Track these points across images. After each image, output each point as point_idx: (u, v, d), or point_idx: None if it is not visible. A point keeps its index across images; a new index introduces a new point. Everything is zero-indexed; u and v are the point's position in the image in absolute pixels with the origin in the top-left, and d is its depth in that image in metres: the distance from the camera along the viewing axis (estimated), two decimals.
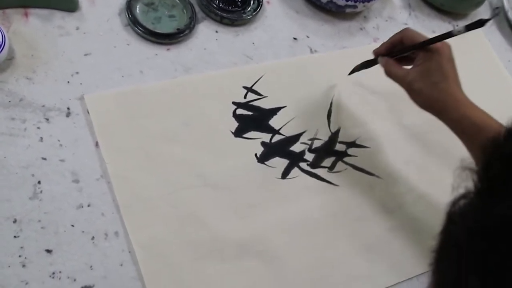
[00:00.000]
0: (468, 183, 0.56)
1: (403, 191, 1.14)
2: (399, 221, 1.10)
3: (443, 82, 0.97)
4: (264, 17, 1.26)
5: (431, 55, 0.97)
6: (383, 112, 1.21)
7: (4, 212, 0.90)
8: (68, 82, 1.03)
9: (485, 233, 0.51)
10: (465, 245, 0.52)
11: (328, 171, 1.11)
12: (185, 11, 1.17)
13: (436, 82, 0.97)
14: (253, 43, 1.21)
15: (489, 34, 1.48)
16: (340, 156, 1.13)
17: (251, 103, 1.12)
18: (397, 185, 1.14)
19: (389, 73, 1.03)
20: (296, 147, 1.11)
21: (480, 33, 1.46)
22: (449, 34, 0.95)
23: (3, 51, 0.97)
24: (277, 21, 1.27)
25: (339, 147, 1.14)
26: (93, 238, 0.92)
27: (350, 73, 1.14)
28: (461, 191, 0.56)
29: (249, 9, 1.23)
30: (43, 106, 1.00)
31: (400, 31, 1.03)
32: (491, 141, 0.56)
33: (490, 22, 1.49)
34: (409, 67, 1.02)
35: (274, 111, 1.13)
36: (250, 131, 1.10)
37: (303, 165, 1.10)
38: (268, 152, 1.09)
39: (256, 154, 1.08)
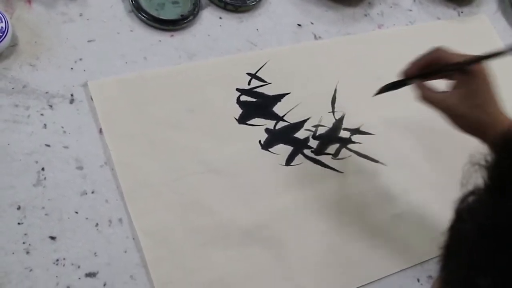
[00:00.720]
0: (477, 180, 0.55)
1: (407, 178, 1.13)
2: (403, 208, 1.09)
3: (489, 105, 0.92)
4: (268, 3, 1.25)
5: (473, 76, 0.92)
6: (388, 98, 1.20)
7: (8, 199, 0.90)
8: (72, 68, 1.03)
9: (495, 231, 0.51)
10: (475, 243, 0.52)
11: (332, 158, 1.10)
12: None
13: (481, 105, 0.91)
14: (257, 30, 1.20)
15: (494, 20, 1.47)
16: (344, 142, 1.13)
17: (255, 89, 1.12)
18: (401, 172, 1.13)
19: (425, 98, 0.95)
20: (300, 134, 1.11)
21: (485, 19, 1.45)
22: (496, 54, 0.88)
23: (6, 37, 0.97)
24: (281, 7, 1.26)
25: (343, 133, 1.14)
26: (97, 225, 0.92)
27: (375, 95, 1.05)
28: (470, 187, 0.56)
29: None
30: (46, 92, 0.99)
31: (433, 50, 0.95)
32: (501, 138, 0.55)
33: (495, 8, 1.48)
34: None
35: (278, 97, 1.13)
36: (254, 117, 1.09)
37: (307, 151, 1.09)
38: (272, 139, 1.08)
39: (260, 141, 1.07)
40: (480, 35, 1.44)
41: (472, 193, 0.55)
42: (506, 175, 0.53)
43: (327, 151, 1.11)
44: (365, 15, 1.33)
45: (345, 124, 1.15)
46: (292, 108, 1.13)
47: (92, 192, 0.94)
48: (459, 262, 0.54)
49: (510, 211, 0.50)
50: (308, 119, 1.13)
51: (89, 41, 1.07)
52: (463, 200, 0.57)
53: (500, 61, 0.89)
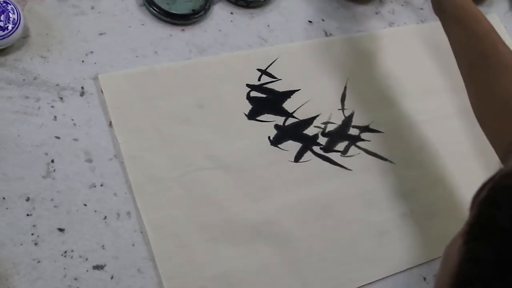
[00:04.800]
0: None
1: (416, 176, 1.13)
2: (411, 206, 1.09)
3: None
4: None
5: None
6: (397, 96, 1.20)
7: (17, 190, 0.90)
8: (83, 61, 1.03)
9: None
10: (510, 234, 0.50)
11: (341, 155, 1.10)
12: None
13: None
14: (268, 26, 1.20)
15: (505, 20, 1.47)
16: (354, 140, 1.13)
17: (265, 85, 1.12)
18: (410, 170, 1.13)
19: None
20: (310, 131, 1.11)
21: (496, 18, 1.45)
22: None
23: (18, 29, 0.97)
24: (293, 3, 1.26)
25: (352, 131, 1.14)
26: (105, 218, 0.92)
27: None
28: (509, 167, 0.54)
29: None
30: (57, 85, 1.00)
31: None
32: None
33: (507, 8, 1.48)
34: None
35: (288, 94, 1.13)
36: (263, 113, 1.09)
37: (316, 148, 1.09)
38: (281, 135, 1.08)
39: (269, 137, 1.07)
40: None
41: (510, 175, 0.53)
42: None
43: (336, 148, 1.11)
44: (376, 13, 1.33)
45: (354, 122, 1.15)
46: (302, 105, 1.13)
47: (101, 185, 0.94)
48: (485, 248, 0.52)
49: None
50: (317, 116, 1.13)
51: (100, 34, 1.07)
52: (500, 180, 0.55)
53: None
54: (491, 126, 0.95)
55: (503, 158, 0.89)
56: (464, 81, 1.00)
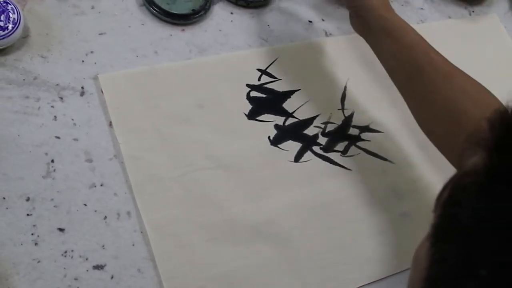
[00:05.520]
0: (474, 159, 0.52)
1: (416, 176, 1.13)
2: (411, 206, 1.09)
3: None
4: None
5: None
6: (397, 96, 1.20)
7: (17, 190, 0.90)
8: (83, 61, 1.03)
9: (495, 220, 0.48)
10: (472, 231, 0.49)
11: (341, 155, 1.10)
12: None
13: None
14: (268, 25, 1.20)
15: (505, 20, 1.47)
16: (353, 140, 1.13)
17: (265, 85, 1.12)
18: (410, 170, 1.13)
19: None
20: (309, 131, 1.11)
21: (496, 18, 1.45)
22: None
23: (18, 29, 0.97)
24: (293, 3, 1.26)
25: (352, 131, 1.14)
26: (105, 218, 0.92)
27: None
28: (467, 168, 0.53)
29: None
30: (57, 85, 1.00)
31: None
32: (500, 117, 0.52)
33: (507, 8, 1.48)
34: None
35: (288, 94, 1.13)
36: (263, 113, 1.09)
37: (316, 148, 1.09)
38: (281, 135, 1.08)
39: (269, 137, 1.07)
40: (491, 35, 1.43)
41: (469, 174, 0.52)
42: (509, 158, 0.49)
43: (336, 148, 1.11)
44: None
45: (354, 122, 1.15)
46: (302, 105, 1.13)
47: (101, 185, 0.94)
48: (451, 248, 0.52)
49: None
50: (317, 116, 1.13)
51: (100, 34, 1.07)
52: (460, 179, 0.54)
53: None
54: (438, 133, 0.97)
55: (457, 161, 0.88)
56: (402, 94, 1.01)
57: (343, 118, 1.15)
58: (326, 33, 1.25)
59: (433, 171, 1.14)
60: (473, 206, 0.50)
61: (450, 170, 1.14)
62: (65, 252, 0.88)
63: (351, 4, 1.05)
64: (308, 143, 1.10)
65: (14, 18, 0.97)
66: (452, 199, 0.55)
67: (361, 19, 1.04)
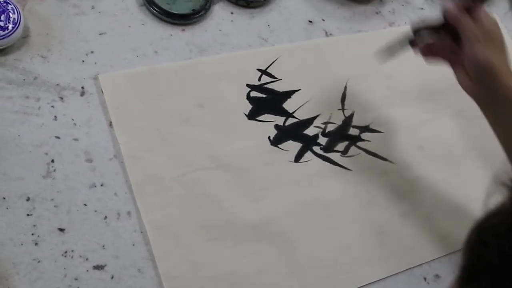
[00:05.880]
0: (502, 198, 0.53)
1: (416, 176, 1.13)
2: (411, 206, 1.09)
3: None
4: None
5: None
6: (397, 96, 1.20)
7: (17, 190, 0.90)
8: (83, 61, 1.03)
9: None
10: (499, 270, 0.50)
11: (341, 155, 1.10)
12: None
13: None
14: (268, 25, 1.20)
15: (505, 20, 1.47)
16: (354, 140, 1.13)
17: (265, 85, 1.12)
18: (409, 171, 1.13)
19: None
20: (310, 131, 1.11)
21: (496, 19, 1.45)
22: None
23: (18, 29, 0.97)
24: (293, 3, 1.26)
25: (352, 131, 1.14)
26: (105, 217, 0.92)
27: (382, 57, 1.05)
28: (493, 207, 0.54)
29: None
30: (57, 85, 1.00)
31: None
32: None
33: (507, 8, 1.48)
34: None
35: (288, 94, 1.13)
36: (263, 113, 1.09)
37: (316, 149, 1.09)
38: (282, 135, 1.08)
39: (269, 137, 1.07)
40: None
41: (496, 214, 0.53)
42: None
43: (336, 148, 1.11)
44: (377, 13, 1.33)
45: (354, 122, 1.15)
46: (302, 105, 1.13)
47: (101, 185, 0.94)
48: (481, 287, 0.53)
49: None
50: (317, 116, 1.13)
51: (100, 34, 1.07)
52: (486, 220, 0.55)
53: None
54: None
55: None
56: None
57: (343, 118, 1.15)
58: (326, 33, 1.25)
59: (433, 172, 1.14)
60: (501, 245, 0.51)
61: (450, 170, 1.14)
62: (65, 252, 0.88)
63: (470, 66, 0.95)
64: (308, 143, 1.09)
65: (14, 18, 0.97)
66: (479, 240, 0.55)
67: (481, 84, 0.93)
